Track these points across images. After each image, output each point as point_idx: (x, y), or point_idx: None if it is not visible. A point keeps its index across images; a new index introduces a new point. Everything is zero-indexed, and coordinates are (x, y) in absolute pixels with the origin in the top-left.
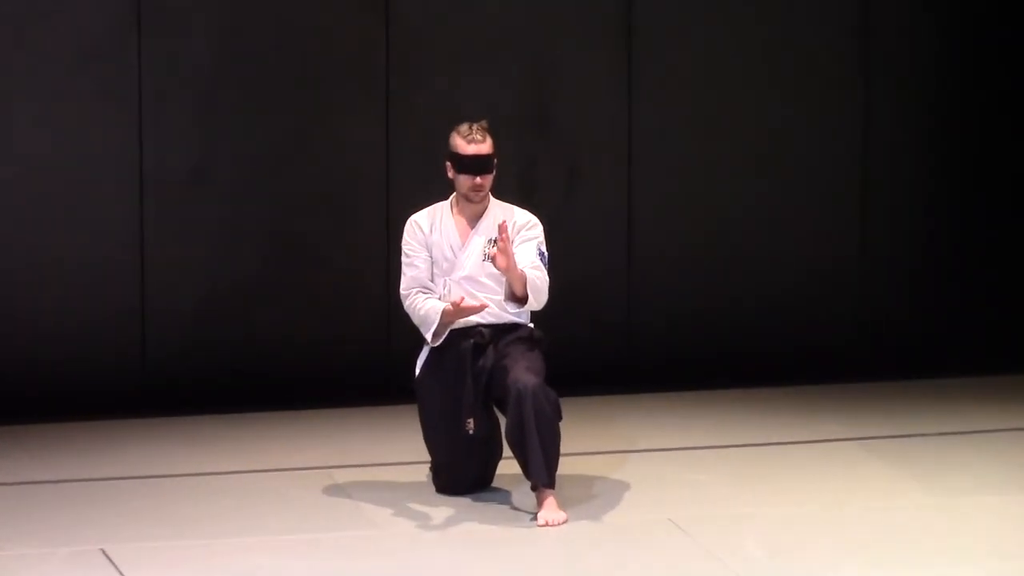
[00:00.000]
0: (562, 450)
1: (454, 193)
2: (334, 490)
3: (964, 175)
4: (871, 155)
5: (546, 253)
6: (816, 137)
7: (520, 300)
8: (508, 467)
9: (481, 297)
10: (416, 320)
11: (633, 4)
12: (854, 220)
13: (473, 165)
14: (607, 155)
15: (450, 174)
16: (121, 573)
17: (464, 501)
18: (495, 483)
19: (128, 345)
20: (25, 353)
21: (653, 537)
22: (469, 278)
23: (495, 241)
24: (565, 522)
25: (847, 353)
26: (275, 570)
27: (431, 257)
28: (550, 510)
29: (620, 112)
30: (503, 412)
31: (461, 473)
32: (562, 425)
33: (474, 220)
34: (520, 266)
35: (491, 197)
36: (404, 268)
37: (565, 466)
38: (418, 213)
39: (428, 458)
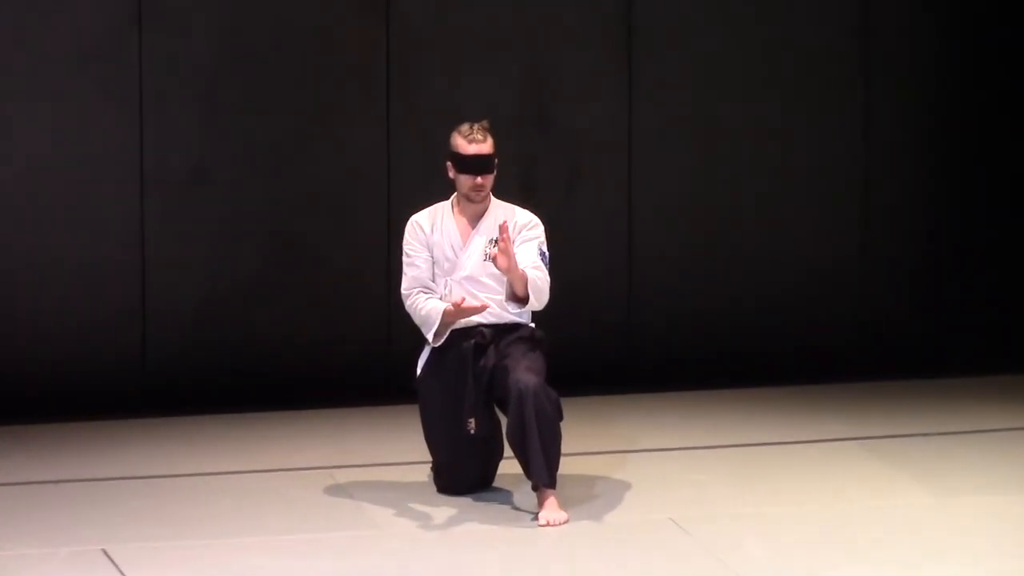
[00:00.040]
0: (563, 450)
1: (455, 193)
2: (335, 490)
3: (964, 175)
4: (871, 155)
5: (547, 253)
6: (816, 137)
7: (521, 300)
8: (509, 467)
9: (482, 297)
10: (417, 320)
11: (633, 4)
12: (854, 220)
13: (474, 165)
14: (607, 155)
15: (451, 174)
16: (123, 573)
17: (465, 501)
18: (496, 483)
19: (128, 345)
20: (25, 353)
21: (654, 537)
22: (470, 278)
23: (496, 241)
24: (566, 522)
25: (847, 353)
26: (276, 570)
27: (432, 257)
28: (551, 510)
29: (620, 112)
30: (504, 412)
31: (462, 473)
32: (563, 425)
33: (475, 220)
34: (521, 266)
35: (492, 197)
36: (405, 268)
37: (566, 466)
38: (419, 213)
39: (429, 458)
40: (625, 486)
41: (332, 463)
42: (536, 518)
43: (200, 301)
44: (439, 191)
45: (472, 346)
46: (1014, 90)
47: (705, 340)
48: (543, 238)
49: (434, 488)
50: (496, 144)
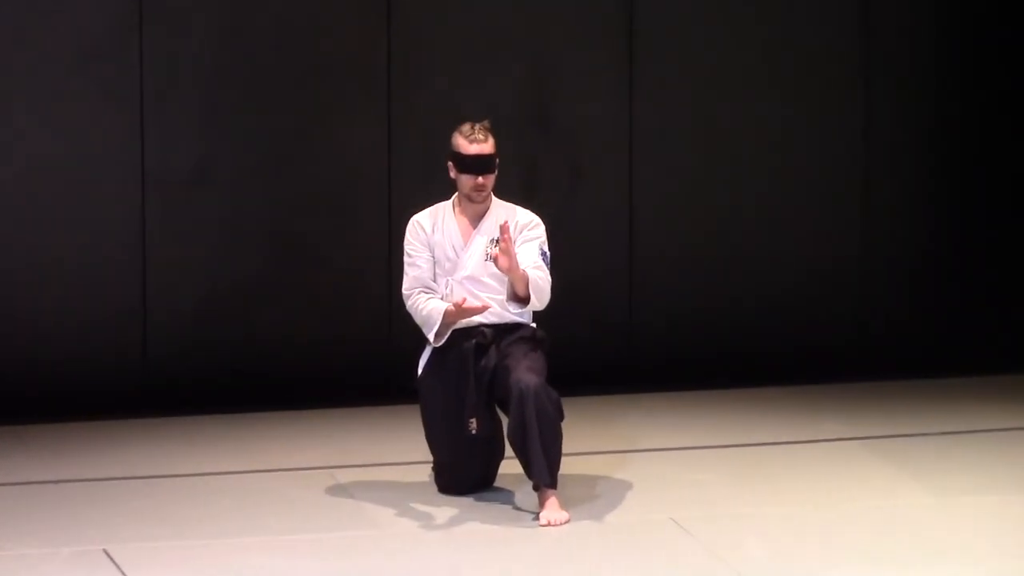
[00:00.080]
0: (564, 450)
1: (456, 193)
2: (336, 490)
3: (964, 175)
4: (871, 155)
5: (548, 253)
6: (817, 137)
7: (522, 300)
8: (510, 467)
9: (483, 297)
10: (418, 320)
11: (634, 4)
12: (854, 220)
13: (475, 165)
14: (608, 155)
15: (452, 174)
16: (124, 573)
17: (466, 501)
18: (497, 483)
19: (129, 345)
20: (26, 353)
21: (655, 537)
22: (471, 278)
23: (497, 241)
24: (567, 522)
25: (847, 353)
26: (277, 570)
27: (433, 257)
28: (552, 510)
29: (621, 112)
30: (505, 412)
31: (463, 473)
32: (564, 425)
33: (476, 220)
34: (522, 266)
35: (493, 197)
36: (406, 268)
37: (567, 466)
38: (420, 213)
39: (430, 458)
40: (626, 486)
41: (333, 463)
42: (537, 518)
43: (201, 301)
44: (440, 191)
45: (473, 346)
46: (1014, 90)
47: (706, 340)
48: (544, 238)
49: (435, 488)
50: (497, 144)
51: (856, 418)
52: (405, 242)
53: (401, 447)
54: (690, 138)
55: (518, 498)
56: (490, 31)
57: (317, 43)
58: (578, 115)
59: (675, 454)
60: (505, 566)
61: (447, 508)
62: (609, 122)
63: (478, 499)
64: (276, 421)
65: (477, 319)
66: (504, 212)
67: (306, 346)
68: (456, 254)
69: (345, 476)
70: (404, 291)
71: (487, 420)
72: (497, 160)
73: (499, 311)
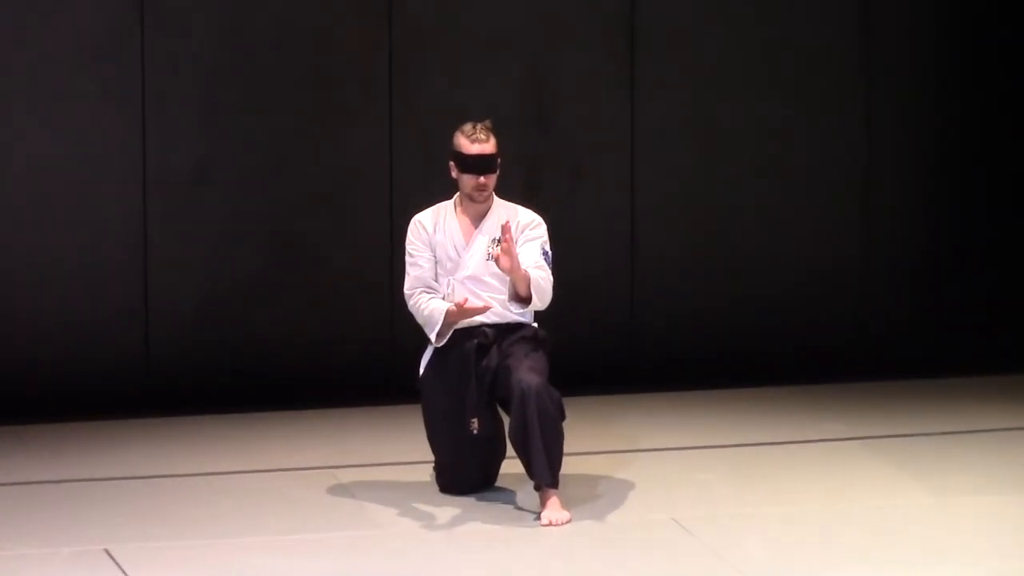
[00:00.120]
0: (565, 450)
1: (458, 193)
2: (337, 490)
3: (964, 175)
4: (872, 155)
5: (550, 252)
6: (817, 137)
7: (524, 300)
8: (512, 467)
9: (485, 296)
10: (420, 320)
11: (635, 4)
12: (855, 220)
13: (477, 165)
14: (609, 155)
15: (454, 174)
16: (125, 573)
17: (468, 501)
18: (499, 483)
19: (130, 345)
20: (27, 353)
21: (656, 537)
22: (473, 278)
23: (499, 240)
24: (568, 522)
25: (847, 352)
26: (280, 570)
27: (435, 257)
28: (553, 510)
29: (622, 112)
30: (507, 412)
31: (465, 473)
32: (565, 425)
33: (478, 220)
34: (524, 266)
35: (495, 196)
36: (408, 268)
37: (568, 466)
38: (422, 213)
39: (431, 458)
40: (627, 486)
41: (334, 463)
42: (538, 518)
43: (201, 301)
44: (440, 191)
45: (475, 346)
46: (1014, 90)
47: (706, 340)
48: (546, 237)
49: (436, 488)
50: (499, 144)
51: (856, 418)
52: (407, 242)
53: (402, 447)
54: (691, 138)
55: (519, 498)
56: (491, 31)
57: (318, 43)
58: (579, 115)
59: (676, 454)
60: (506, 566)
61: (448, 508)
62: (610, 122)
63: (479, 499)
64: (277, 421)
65: (479, 319)
66: (506, 212)
67: (307, 346)
68: (458, 254)
69: (346, 476)
70: (406, 291)
71: (488, 420)
72: (499, 160)
73: (501, 311)
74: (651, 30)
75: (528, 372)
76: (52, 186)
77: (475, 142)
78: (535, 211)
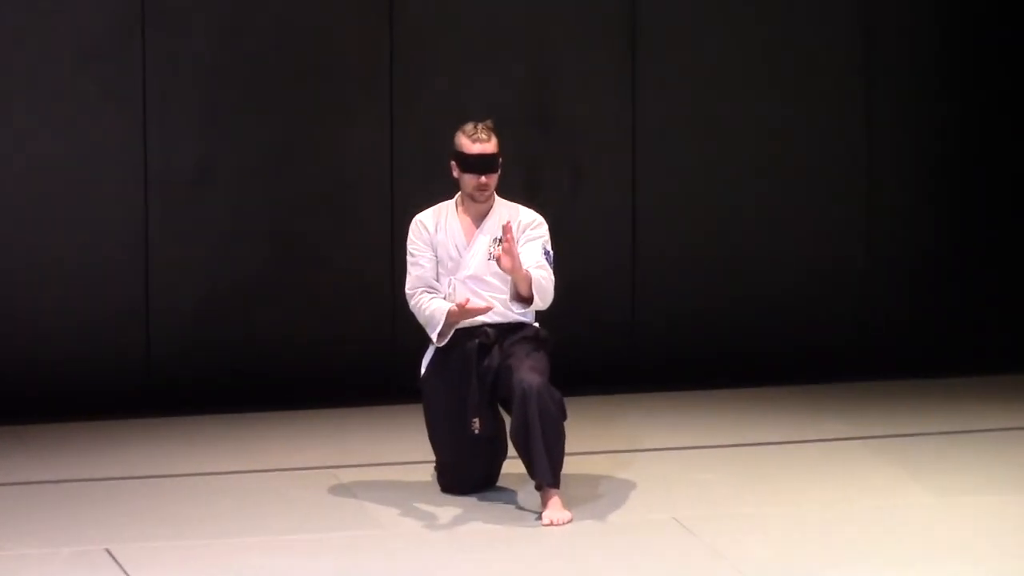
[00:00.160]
0: (566, 449)
1: (459, 192)
2: (339, 490)
3: (964, 175)
4: (872, 155)
5: (551, 252)
6: (817, 137)
7: (525, 300)
8: (513, 466)
9: (486, 296)
10: (421, 320)
11: (637, 3)
12: (855, 220)
13: (478, 164)
14: (611, 155)
15: (455, 173)
16: (127, 573)
17: (469, 500)
18: (500, 482)
19: (130, 345)
20: (27, 353)
21: (658, 536)
22: (474, 277)
23: (500, 240)
24: (570, 521)
25: (848, 352)
26: (281, 570)
27: (436, 256)
28: (555, 509)
29: (624, 111)
30: (508, 412)
31: (466, 473)
32: (566, 425)
33: (479, 219)
34: (525, 266)
35: (496, 196)
36: (409, 267)
37: (569, 465)
38: (423, 212)
39: (432, 457)
40: (628, 485)
41: (334, 463)
42: (540, 518)
43: (202, 301)
44: (442, 191)
45: (476, 346)
46: (1014, 90)
47: (707, 340)
48: (547, 237)
49: (437, 488)
50: (500, 143)
51: (857, 418)
52: (408, 241)
53: (403, 447)
54: (692, 138)
55: (521, 498)
56: (492, 31)
57: (318, 43)
58: (579, 115)
59: (677, 454)
60: (508, 566)
61: (450, 508)
62: (611, 122)
63: (481, 499)
64: (277, 421)
65: (480, 319)
66: (507, 211)
67: (307, 346)
68: (459, 253)
69: (347, 476)
70: (407, 290)
71: (490, 420)
72: (500, 159)
73: (502, 311)
74: (652, 30)
75: (529, 372)
76: (52, 186)
77: (476, 142)
78: (535, 211)
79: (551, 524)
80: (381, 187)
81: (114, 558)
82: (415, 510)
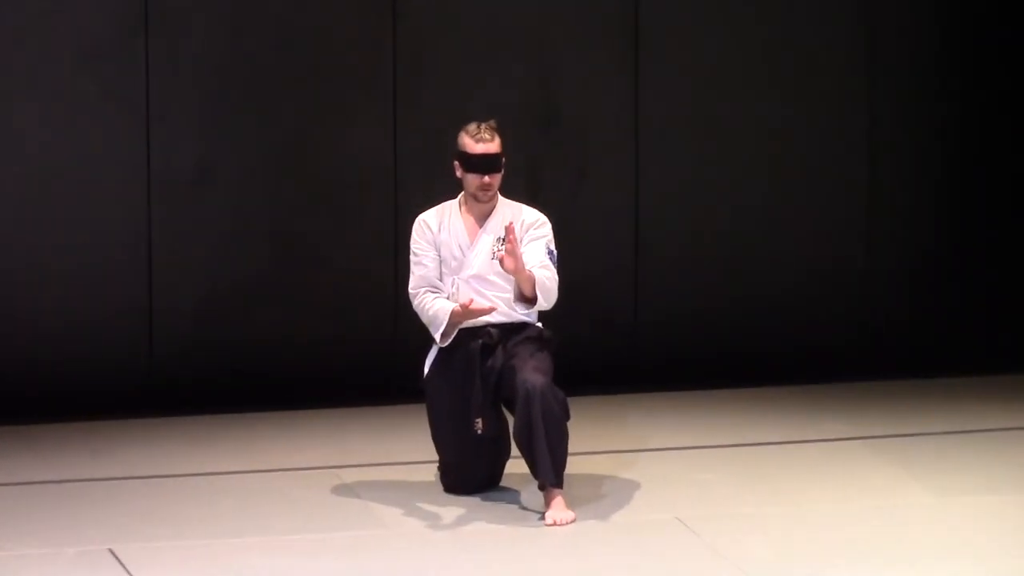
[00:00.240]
0: (570, 449)
1: (462, 192)
2: (341, 490)
3: (964, 175)
4: (873, 155)
5: (554, 251)
6: (819, 137)
7: (529, 301)
8: (516, 466)
9: (490, 295)
10: (425, 320)
11: (640, 3)
12: (856, 220)
13: (481, 164)
14: (612, 155)
15: (458, 173)
16: (130, 573)
17: (472, 500)
18: (503, 482)
19: (132, 345)
20: (29, 353)
21: (661, 536)
22: (478, 277)
23: (503, 240)
24: (573, 521)
25: (849, 352)
26: (284, 569)
27: (439, 256)
28: (558, 509)
29: (625, 112)
30: (512, 412)
31: (469, 473)
32: (569, 425)
33: (482, 219)
34: (529, 265)
35: (499, 196)
36: (412, 267)
37: (572, 465)
38: (426, 212)
39: (435, 457)
40: (631, 485)
41: (337, 463)
42: (543, 518)
43: (204, 301)
44: (444, 191)
45: (480, 346)
46: (1014, 90)
47: (709, 340)
48: (550, 236)
49: (441, 488)
50: (503, 143)
51: (857, 418)
52: (411, 241)
53: (405, 447)
54: (695, 138)
55: (524, 498)
56: (494, 31)
57: (322, 43)
58: (582, 115)
59: (679, 454)
60: (511, 566)
61: (453, 508)
62: (613, 122)
63: (484, 499)
64: (279, 421)
65: (484, 319)
66: (510, 211)
67: (309, 346)
68: (462, 253)
69: (350, 476)
70: (410, 290)
71: (493, 420)
72: (503, 159)
73: (506, 310)
74: (653, 30)
75: (533, 372)
76: (54, 186)
77: (479, 141)
78: (539, 211)
79: (554, 524)
80: (383, 187)
81: (117, 558)
82: (418, 510)
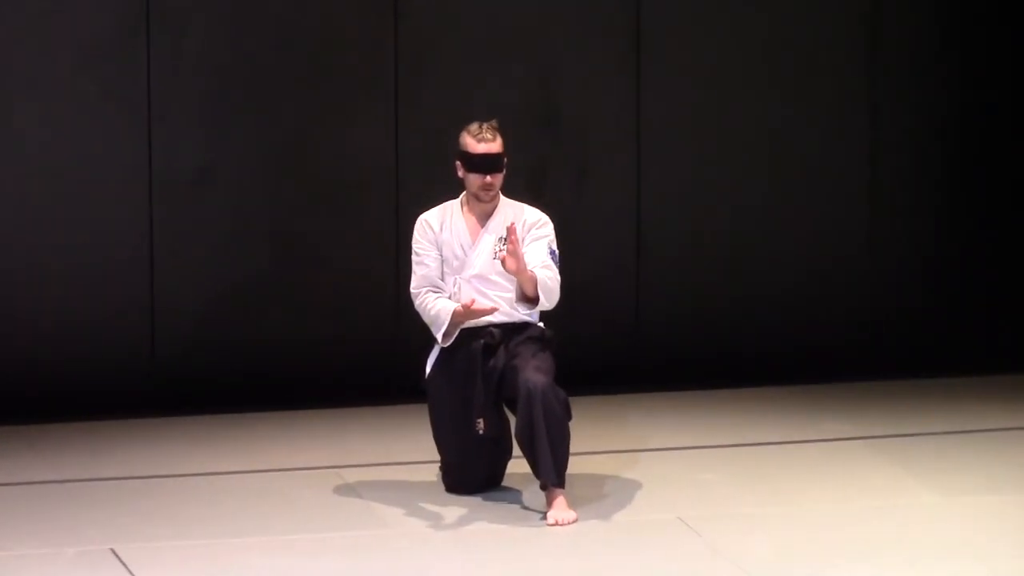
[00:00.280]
0: (571, 449)
1: (464, 192)
2: (343, 490)
3: (965, 175)
4: (874, 156)
5: (556, 251)
6: (819, 137)
7: (531, 301)
8: (518, 466)
9: (492, 295)
10: (426, 320)
11: (640, 4)
12: (857, 220)
13: (483, 164)
14: (614, 154)
15: (460, 173)
16: (132, 573)
17: (474, 500)
18: (505, 482)
19: (134, 345)
20: (29, 353)
21: (662, 536)
22: (479, 276)
23: (505, 240)
24: (575, 521)
25: (850, 352)
26: (286, 569)
27: (441, 256)
28: (560, 509)
29: (627, 111)
30: (513, 412)
31: (471, 473)
32: (571, 425)
33: (484, 219)
34: (530, 265)
35: (501, 196)
36: (414, 267)
37: (574, 465)
38: (428, 212)
39: (437, 457)
40: (633, 485)
41: (339, 463)
42: (545, 517)
43: (206, 301)
44: (445, 191)
45: (481, 346)
46: (1014, 90)
47: (711, 340)
48: (552, 236)
49: (442, 487)
50: (505, 143)
51: (858, 418)
52: (413, 241)
53: (407, 446)
54: (698, 137)
55: (526, 498)
56: (495, 31)
57: (324, 43)
58: (584, 115)
59: (681, 453)
60: (512, 565)
61: (455, 507)
62: (615, 121)
63: (486, 499)
64: (281, 421)
65: (486, 319)
66: (512, 211)
67: (311, 346)
68: (464, 253)
69: (352, 476)
70: (412, 290)
71: (495, 420)
72: (505, 159)
73: (508, 310)
74: (655, 30)
75: (534, 372)
76: (55, 186)
77: (481, 141)
78: (540, 210)
79: (556, 524)
80: (384, 187)
81: (119, 558)
82: (420, 510)
